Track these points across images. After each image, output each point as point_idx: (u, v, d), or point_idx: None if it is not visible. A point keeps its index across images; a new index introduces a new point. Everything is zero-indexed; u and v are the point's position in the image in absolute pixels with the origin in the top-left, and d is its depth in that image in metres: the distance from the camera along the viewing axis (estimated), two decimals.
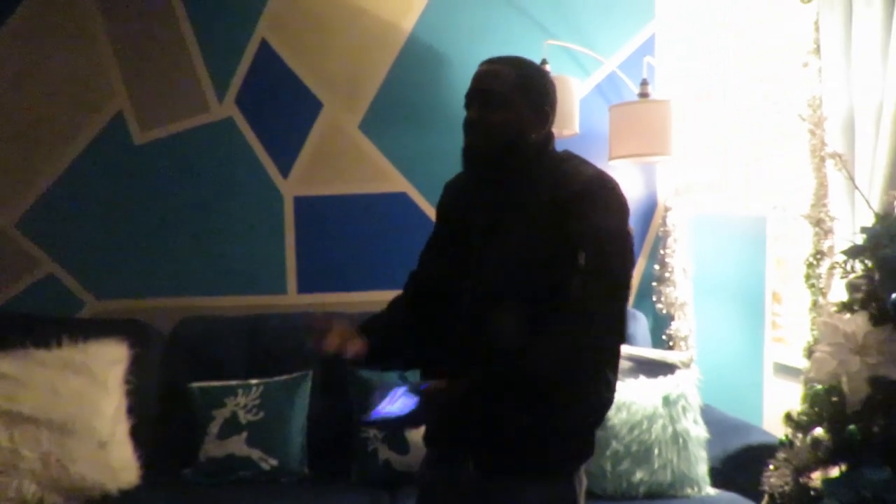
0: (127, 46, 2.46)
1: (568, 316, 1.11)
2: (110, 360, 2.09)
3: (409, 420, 1.10)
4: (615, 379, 1.24)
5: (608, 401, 1.23)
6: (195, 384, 2.15)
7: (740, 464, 1.95)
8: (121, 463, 1.98)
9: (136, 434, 2.07)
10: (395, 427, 1.14)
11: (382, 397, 1.13)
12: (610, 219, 1.15)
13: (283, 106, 2.54)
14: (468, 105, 1.23)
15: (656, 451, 1.93)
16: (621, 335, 1.18)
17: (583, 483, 1.25)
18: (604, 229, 1.14)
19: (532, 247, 1.15)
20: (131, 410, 2.09)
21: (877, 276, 1.20)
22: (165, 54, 2.48)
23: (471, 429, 1.20)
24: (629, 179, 2.67)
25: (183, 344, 2.31)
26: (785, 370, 2.35)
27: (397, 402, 1.10)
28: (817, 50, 1.91)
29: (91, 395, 1.99)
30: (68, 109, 2.44)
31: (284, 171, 2.55)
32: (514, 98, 1.19)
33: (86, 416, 1.95)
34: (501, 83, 1.19)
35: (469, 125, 1.21)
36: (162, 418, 2.20)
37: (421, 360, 1.33)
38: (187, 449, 2.09)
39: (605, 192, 1.16)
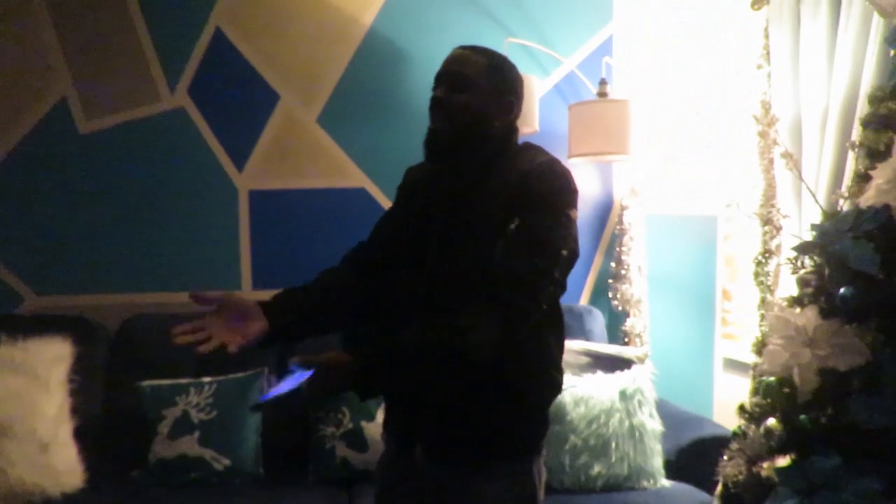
0: (71, 29, 2.35)
1: (491, 283, 1.09)
2: (52, 358, 2.00)
3: (295, 394, 1.01)
4: (560, 355, 1.22)
5: (555, 381, 1.22)
6: (144, 383, 2.07)
7: (693, 456, 2.00)
8: (64, 465, 1.89)
9: (81, 435, 1.99)
10: (285, 403, 1.06)
11: (278, 379, 1.07)
12: (549, 197, 1.14)
13: (238, 97, 2.47)
14: (436, 85, 1.24)
15: (613, 445, 1.96)
16: (532, 297, 1.11)
17: (542, 475, 1.25)
18: (540, 204, 1.13)
19: (488, 238, 1.14)
20: (75, 411, 2.00)
21: (826, 272, 1.24)
22: (113, 39, 2.38)
23: (420, 416, 1.20)
24: (587, 178, 2.71)
25: (131, 341, 2.23)
26: (733, 365, 2.43)
27: (289, 381, 1.03)
28: (767, 55, 1.98)
29: (31, 394, 1.90)
30: (8, 95, 2.32)
31: (239, 164, 2.49)
32: (480, 83, 1.20)
33: (25, 416, 1.85)
34: (470, 67, 1.21)
35: (434, 103, 1.22)
36: (109, 419, 2.12)
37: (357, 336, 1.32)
38: (136, 450, 2.02)
39: (551, 173, 1.16)
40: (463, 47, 1.24)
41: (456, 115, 1.19)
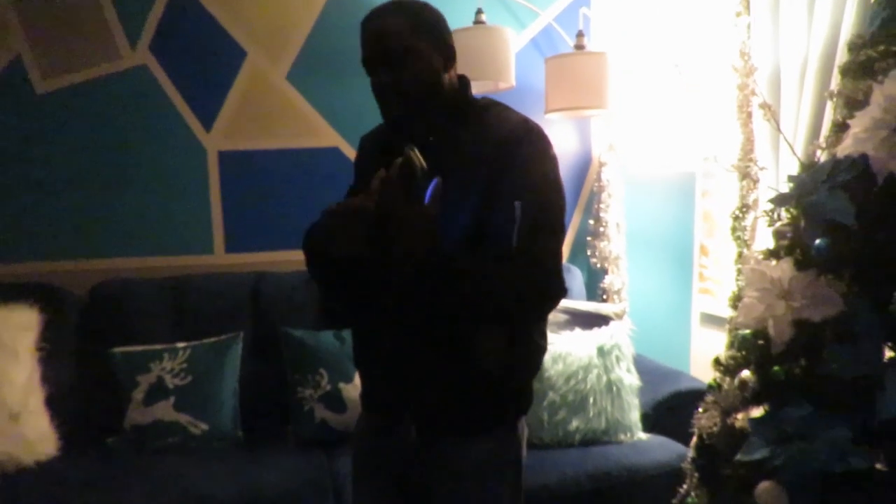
0: None
1: (510, 266, 1.07)
2: (19, 326, 1.95)
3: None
4: (545, 326, 1.24)
5: (543, 348, 1.23)
6: (117, 349, 2.03)
7: (669, 409, 2.03)
8: (36, 434, 1.86)
9: (53, 403, 1.95)
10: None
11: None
12: (541, 167, 1.12)
13: (203, 54, 2.37)
14: (373, 69, 1.14)
15: (591, 400, 1.97)
16: (561, 282, 1.15)
17: (525, 431, 1.25)
18: (537, 178, 1.10)
19: (461, 200, 1.10)
20: (46, 379, 1.96)
21: (802, 223, 1.23)
22: None
23: (410, 389, 1.18)
24: (564, 134, 2.67)
25: (102, 308, 2.18)
26: (710, 320, 2.45)
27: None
28: (747, 4, 1.93)
29: None
30: None
31: (207, 123, 2.40)
32: (415, 45, 1.11)
33: None
34: (398, 36, 1.10)
35: (382, 90, 1.13)
36: (82, 386, 2.08)
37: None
38: (111, 417, 1.99)
39: (533, 139, 1.12)
40: (371, 18, 1.14)
41: (410, 92, 1.11)
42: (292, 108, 2.46)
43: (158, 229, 2.38)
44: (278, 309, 2.23)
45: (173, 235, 2.39)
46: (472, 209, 1.10)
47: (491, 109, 1.18)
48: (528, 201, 1.08)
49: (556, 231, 1.14)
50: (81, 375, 2.08)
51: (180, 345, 2.06)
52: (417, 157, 1.01)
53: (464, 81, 1.21)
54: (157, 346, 2.05)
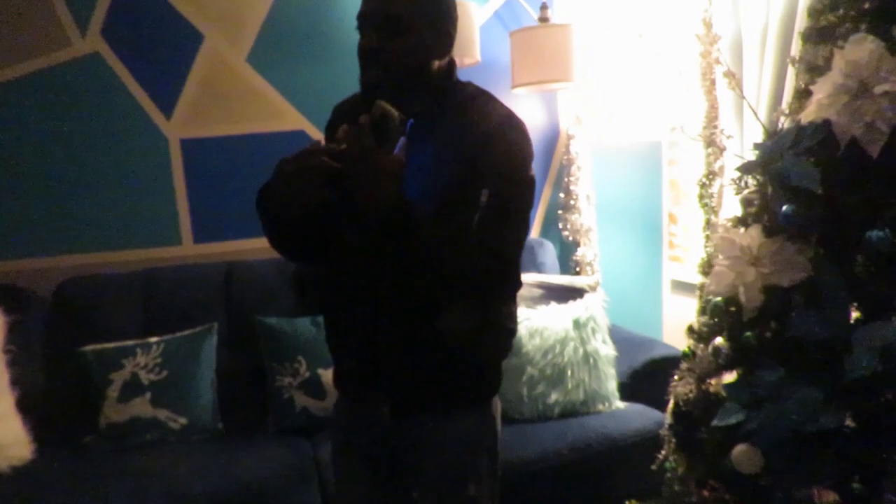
0: None
1: (469, 246, 1.07)
2: None
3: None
4: (516, 309, 1.25)
5: (511, 330, 1.24)
6: (87, 347, 1.99)
7: (645, 377, 2.07)
8: (9, 439, 1.81)
9: (25, 406, 1.89)
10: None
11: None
12: (516, 163, 1.12)
13: (157, 38, 2.29)
14: (363, 29, 1.10)
15: (569, 373, 2.00)
16: (517, 273, 1.18)
17: (498, 406, 1.27)
18: (509, 172, 1.10)
19: (437, 185, 1.09)
20: (15, 382, 1.90)
21: (769, 190, 1.25)
22: None
23: (382, 368, 1.18)
24: (532, 109, 2.66)
25: (69, 306, 2.12)
26: (680, 286, 2.49)
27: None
28: None
29: None
30: None
31: (167, 111, 2.33)
32: (415, 21, 1.08)
33: None
34: (402, 6, 1.07)
35: (366, 55, 1.09)
36: (54, 387, 2.03)
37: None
38: (87, 417, 1.95)
39: (513, 135, 1.12)
40: None
41: (394, 65, 1.08)
42: (254, 92, 2.40)
43: (123, 222, 2.32)
44: (252, 297, 2.20)
45: (139, 228, 2.33)
46: (440, 191, 1.08)
47: (478, 98, 1.16)
48: (495, 192, 1.07)
49: (519, 224, 1.13)
50: (52, 376, 2.03)
51: (153, 339, 2.02)
52: (391, 108, 1.01)
53: (451, 65, 1.18)
54: (129, 342, 2.01)
